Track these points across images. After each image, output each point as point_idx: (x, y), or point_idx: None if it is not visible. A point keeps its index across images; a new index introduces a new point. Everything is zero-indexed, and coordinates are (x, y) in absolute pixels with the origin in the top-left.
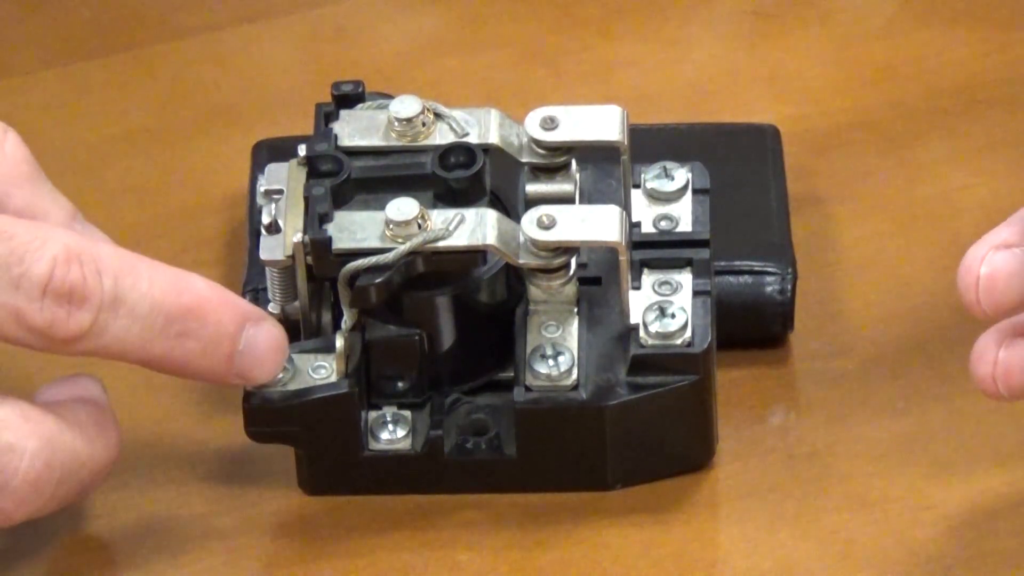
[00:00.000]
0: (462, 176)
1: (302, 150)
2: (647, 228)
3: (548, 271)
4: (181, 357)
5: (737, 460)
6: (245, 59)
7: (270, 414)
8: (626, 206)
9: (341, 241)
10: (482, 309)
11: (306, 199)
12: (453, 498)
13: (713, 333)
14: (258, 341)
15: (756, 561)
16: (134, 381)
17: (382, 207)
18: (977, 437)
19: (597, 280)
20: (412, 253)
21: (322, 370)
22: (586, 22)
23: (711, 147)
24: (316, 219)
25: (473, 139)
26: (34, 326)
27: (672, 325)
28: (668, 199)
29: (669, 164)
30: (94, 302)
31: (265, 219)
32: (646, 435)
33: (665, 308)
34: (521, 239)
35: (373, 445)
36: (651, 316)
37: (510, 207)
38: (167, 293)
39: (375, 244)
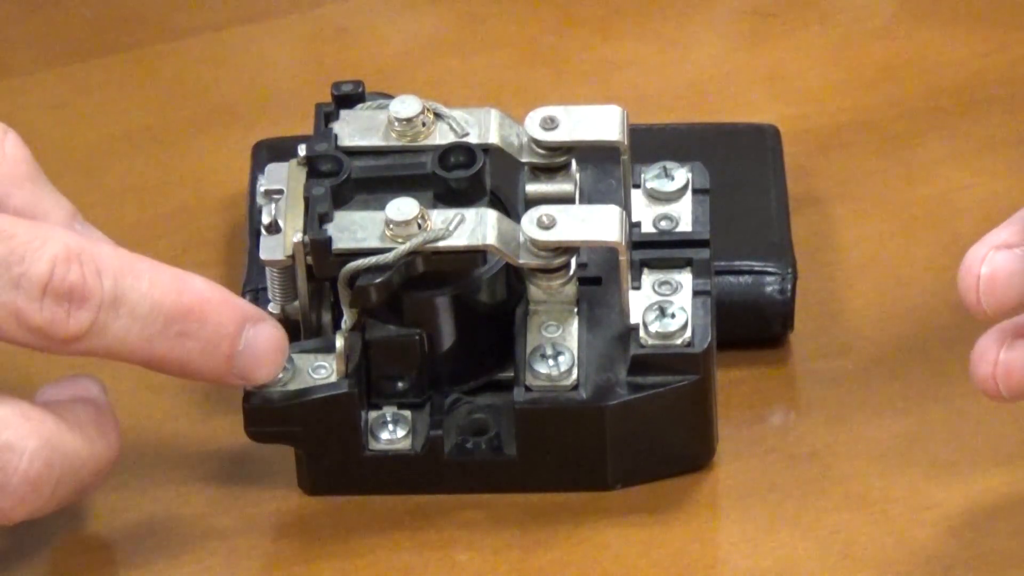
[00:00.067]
0: (462, 176)
1: (302, 150)
2: (647, 228)
3: (548, 271)
4: (181, 357)
5: (737, 460)
6: (245, 59)
7: (270, 414)
8: (626, 206)
9: (341, 241)
10: (482, 309)
11: (306, 199)
12: (453, 498)
13: (713, 333)
14: (258, 341)
15: (756, 561)
16: (134, 381)
17: (382, 207)
18: (977, 437)
19: (597, 280)
20: (412, 253)
21: (322, 370)
22: (586, 22)
23: (711, 147)
24: (316, 219)
25: (473, 139)
26: (34, 326)
27: (672, 325)
28: (668, 199)
29: (669, 164)
30: (94, 302)
31: (265, 219)
32: (646, 435)
33: (665, 308)
34: (521, 239)
35: (373, 445)
36: (651, 316)
37: (510, 207)
38: (167, 293)
39: (375, 244)
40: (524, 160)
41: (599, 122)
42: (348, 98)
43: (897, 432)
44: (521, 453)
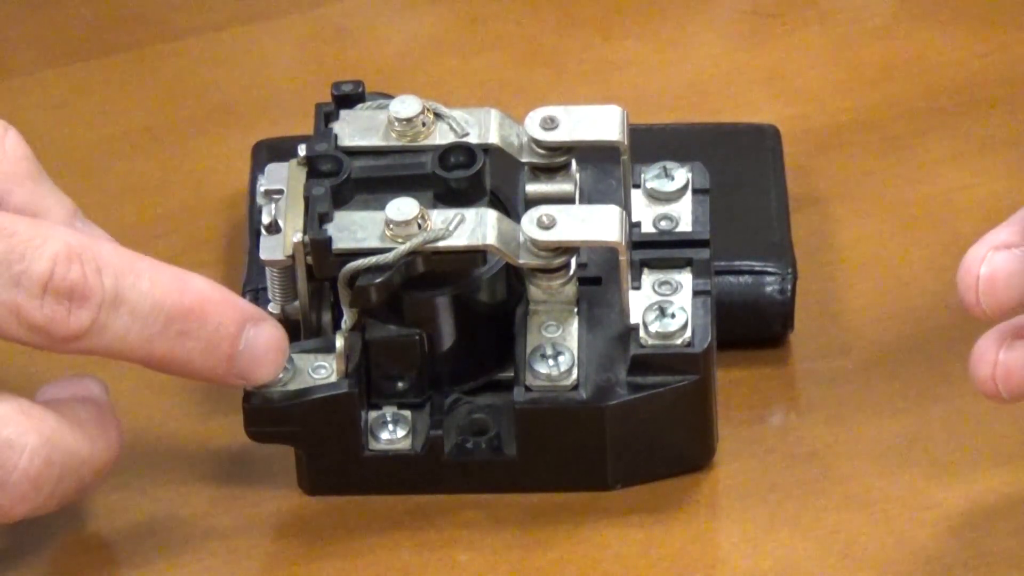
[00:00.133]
0: (462, 176)
1: (302, 150)
2: (647, 228)
3: (548, 271)
4: (181, 357)
5: (737, 460)
6: (245, 59)
7: (270, 414)
8: (626, 206)
9: (341, 241)
10: (482, 309)
11: (306, 199)
12: (453, 498)
13: (713, 333)
14: (259, 341)
15: (756, 561)
16: (134, 381)
17: (382, 207)
18: (977, 437)
19: (597, 280)
20: (412, 253)
21: (322, 370)
22: (586, 22)
23: (711, 147)
24: (316, 219)
25: (473, 139)
26: (34, 324)
27: (672, 325)
28: (668, 199)
29: (669, 164)
30: (94, 300)
31: (265, 219)
32: (646, 435)
33: (665, 308)
34: (521, 239)
35: (373, 445)
36: (651, 316)
37: (510, 207)
38: (168, 292)
39: (375, 244)
40: (524, 160)
41: (599, 122)
42: (348, 98)
43: (897, 432)
44: (521, 453)
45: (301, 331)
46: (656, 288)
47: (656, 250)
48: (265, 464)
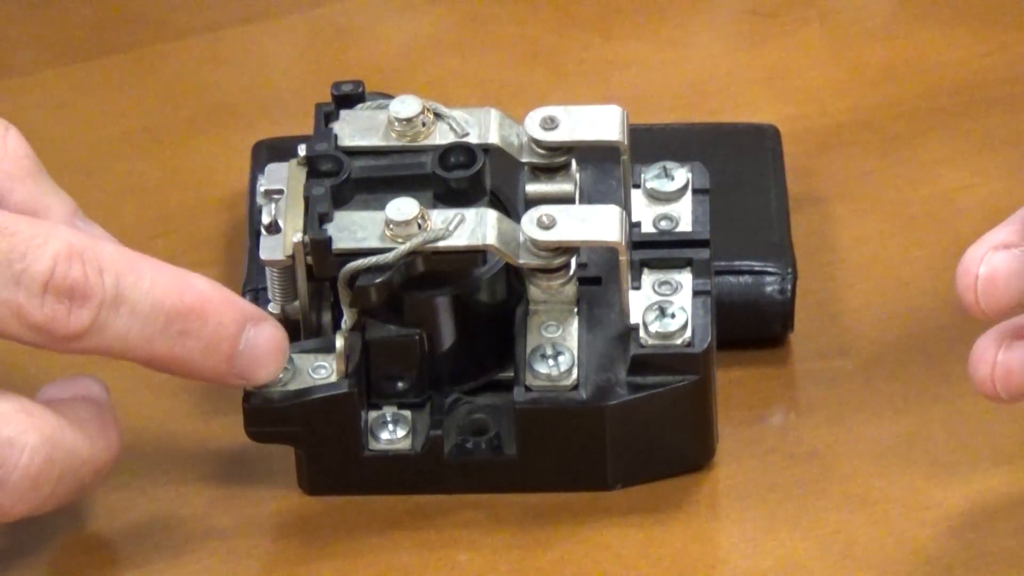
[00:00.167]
0: (462, 176)
1: (302, 150)
2: (647, 228)
3: (548, 271)
4: (182, 356)
5: (737, 460)
6: (245, 59)
7: (270, 414)
8: (626, 206)
9: (341, 241)
10: (482, 309)
11: (306, 199)
12: (453, 498)
13: (713, 333)
14: (259, 341)
15: (756, 561)
16: (134, 381)
17: (382, 207)
18: (977, 437)
19: (597, 280)
20: (412, 253)
21: (322, 370)
22: (586, 22)
23: (711, 147)
24: (316, 219)
25: (473, 139)
26: (34, 323)
27: (672, 325)
28: (668, 199)
29: (669, 164)
30: (95, 300)
31: (265, 219)
32: (646, 435)
33: (665, 308)
34: (521, 239)
35: (373, 445)
36: (651, 316)
37: (510, 207)
38: (169, 292)
39: (375, 244)
40: (524, 160)
41: (599, 122)
42: (348, 98)
43: (897, 432)
44: (521, 453)
45: (301, 331)
46: (656, 288)
47: (656, 250)
48: (265, 464)
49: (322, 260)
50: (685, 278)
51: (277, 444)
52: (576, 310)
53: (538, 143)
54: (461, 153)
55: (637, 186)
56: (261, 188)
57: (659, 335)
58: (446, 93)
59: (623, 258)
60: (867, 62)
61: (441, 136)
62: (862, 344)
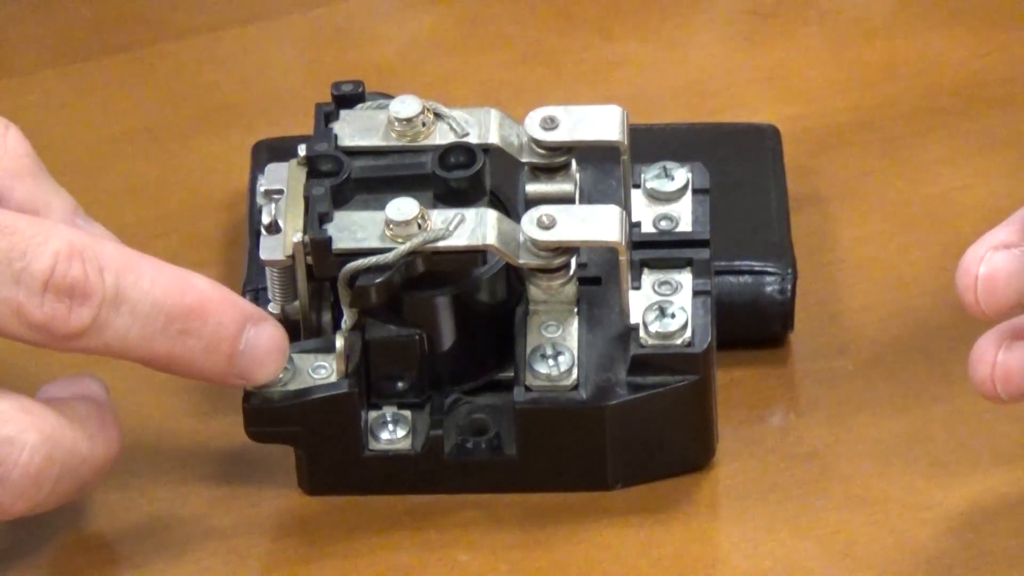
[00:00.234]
0: (462, 176)
1: (302, 150)
2: (647, 228)
3: (548, 271)
4: (182, 356)
5: (737, 460)
6: (245, 59)
7: (270, 414)
8: (626, 206)
9: (341, 241)
10: (482, 309)
11: (306, 199)
12: (453, 498)
13: (713, 333)
14: (259, 341)
15: (756, 561)
16: (134, 381)
17: (382, 207)
18: (977, 437)
19: (597, 280)
20: (412, 253)
21: (322, 370)
22: (586, 22)
23: (711, 147)
24: (316, 219)
25: (473, 139)
26: (34, 321)
27: (672, 325)
28: (668, 199)
29: (669, 164)
30: (95, 299)
31: (265, 219)
32: (646, 435)
33: (665, 308)
34: (521, 239)
35: (373, 445)
36: (651, 316)
37: (510, 207)
38: (169, 292)
39: (375, 244)
40: (524, 160)
41: (599, 122)
42: (348, 98)
43: (897, 432)
44: (521, 453)
45: (301, 331)
46: (656, 288)
47: (656, 250)
48: (265, 464)
49: (322, 260)
50: (685, 278)
51: (277, 444)
52: (576, 310)
53: (538, 143)
54: (461, 153)
55: (637, 186)
56: (261, 188)
57: (659, 335)
58: (446, 93)
59: (623, 258)
60: (867, 62)
61: (441, 136)
62: (862, 344)
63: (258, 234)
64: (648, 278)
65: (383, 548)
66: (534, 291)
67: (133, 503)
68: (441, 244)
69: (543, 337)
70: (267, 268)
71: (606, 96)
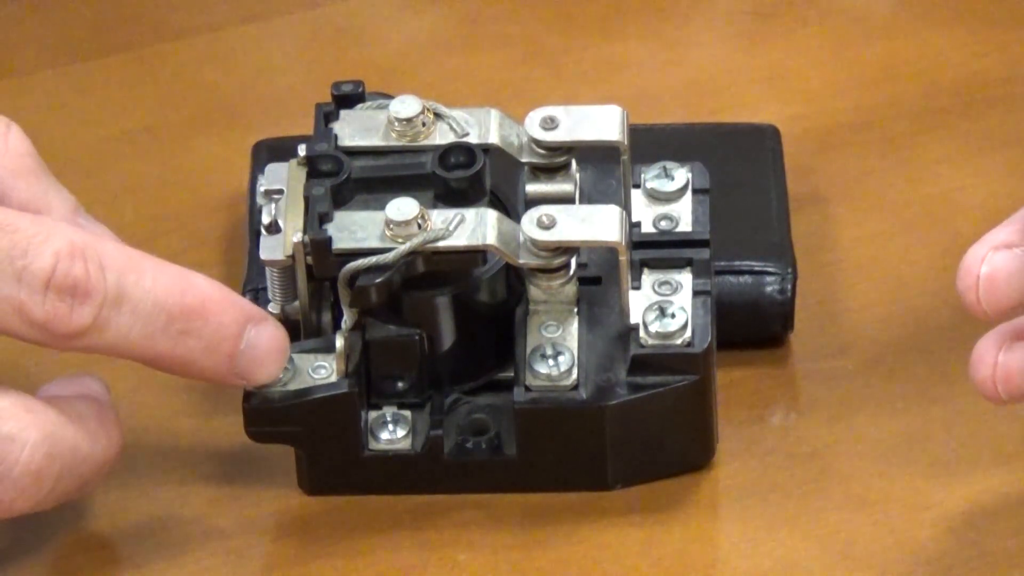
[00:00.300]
0: (462, 176)
1: (302, 150)
2: (647, 228)
3: (548, 271)
4: (182, 356)
5: (737, 460)
6: (245, 59)
7: (270, 414)
8: (626, 206)
9: (341, 241)
10: (482, 309)
11: (306, 199)
12: (453, 498)
13: (713, 333)
14: (260, 341)
15: (756, 561)
16: (135, 380)
17: (382, 207)
18: (977, 437)
19: (597, 280)
20: (412, 253)
21: (322, 370)
22: (586, 22)
23: (711, 147)
24: (316, 219)
25: (473, 139)
26: (35, 320)
27: (672, 325)
28: (668, 199)
29: (669, 164)
30: (96, 298)
31: (265, 219)
32: (646, 435)
33: (665, 308)
34: (521, 239)
35: (373, 445)
36: (651, 316)
37: (510, 207)
38: (170, 291)
39: (375, 244)
40: (524, 160)
41: (599, 122)
42: (348, 98)
43: (897, 432)
44: (521, 453)
45: (301, 331)
46: (656, 288)
47: (656, 250)
48: (265, 464)
49: (322, 260)
50: (685, 278)
51: (277, 444)
52: (576, 310)
53: (538, 143)
54: (461, 153)
55: (637, 186)
56: (261, 188)
57: (659, 335)
58: (446, 93)
59: (623, 258)
60: (867, 62)
61: (441, 136)
62: (862, 344)
63: (258, 234)
64: (648, 278)
65: (383, 548)
66: (534, 291)
67: (133, 503)
68: (441, 244)
69: (543, 337)
70: (267, 268)
71: (606, 96)
